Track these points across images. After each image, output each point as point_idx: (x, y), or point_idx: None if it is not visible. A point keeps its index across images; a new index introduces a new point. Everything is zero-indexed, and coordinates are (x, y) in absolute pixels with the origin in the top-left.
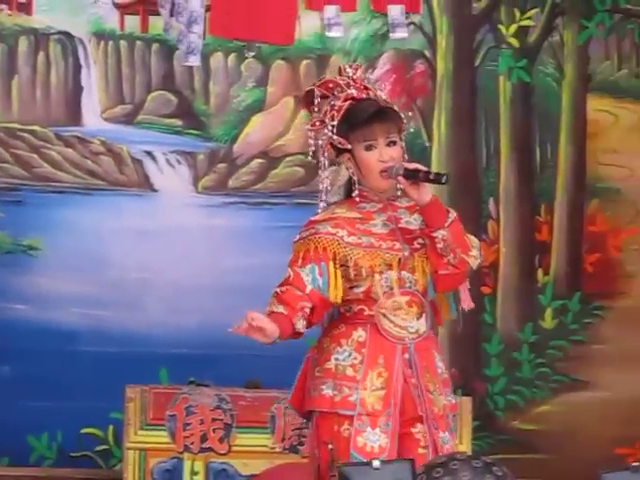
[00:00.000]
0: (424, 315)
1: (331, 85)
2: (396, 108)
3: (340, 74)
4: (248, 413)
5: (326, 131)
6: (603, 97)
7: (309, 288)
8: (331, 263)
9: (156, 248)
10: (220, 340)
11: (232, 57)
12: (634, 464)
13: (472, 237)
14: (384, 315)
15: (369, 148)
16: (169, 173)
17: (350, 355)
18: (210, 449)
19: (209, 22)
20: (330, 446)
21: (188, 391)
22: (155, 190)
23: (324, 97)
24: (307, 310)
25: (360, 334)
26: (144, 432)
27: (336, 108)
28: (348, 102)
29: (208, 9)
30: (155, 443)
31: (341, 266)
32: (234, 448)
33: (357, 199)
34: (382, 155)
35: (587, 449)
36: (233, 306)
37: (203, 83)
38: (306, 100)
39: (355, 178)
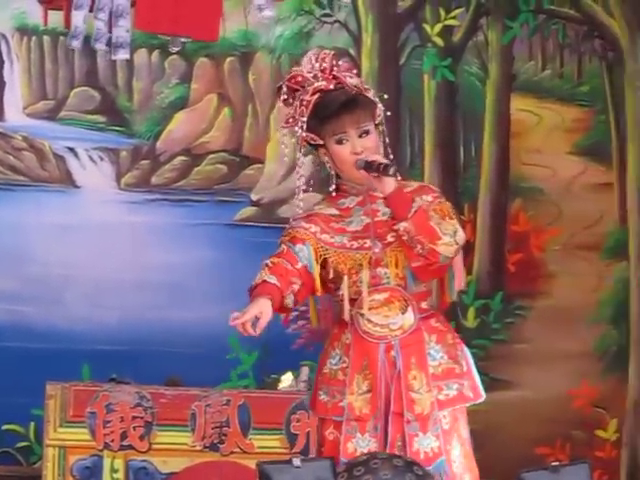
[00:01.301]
0: (410, 308)
1: (300, 79)
2: (370, 94)
3: (311, 65)
4: (168, 411)
5: (296, 128)
6: (527, 97)
7: (300, 264)
8: (312, 249)
9: (78, 244)
10: (141, 337)
11: (156, 54)
12: (553, 464)
13: (449, 222)
14: (362, 316)
15: (340, 142)
16: (91, 169)
17: (340, 359)
18: (130, 447)
19: (134, 16)
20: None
21: (109, 389)
22: (77, 186)
23: (296, 91)
24: (295, 287)
25: (347, 336)
26: (64, 429)
27: (304, 103)
28: (317, 95)
29: (133, 4)
30: (75, 440)
31: (321, 266)
32: (154, 446)
33: (333, 194)
34: (355, 147)
35: (508, 448)
36: (154, 303)
37: (126, 79)
38: (279, 97)
39: (333, 172)
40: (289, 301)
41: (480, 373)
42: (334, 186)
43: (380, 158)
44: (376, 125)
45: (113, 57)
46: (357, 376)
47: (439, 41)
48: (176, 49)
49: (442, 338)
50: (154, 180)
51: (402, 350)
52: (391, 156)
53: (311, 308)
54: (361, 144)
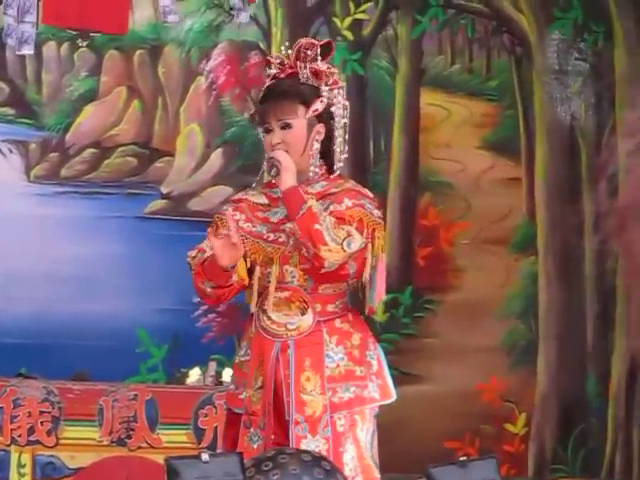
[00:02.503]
0: (309, 310)
1: (271, 61)
2: (320, 90)
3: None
4: (76, 406)
5: (246, 113)
6: (436, 91)
7: None
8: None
9: None
10: (50, 330)
11: (65, 46)
12: (461, 459)
13: (345, 228)
14: (264, 312)
15: (267, 131)
16: (0, 162)
17: (245, 351)
18: (37, 442)
19: (42, 11)
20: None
21: (16, 383)
22: None
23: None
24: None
25: (252, 330)
26: None
27: (262, 87)
28: (269, 81)
29: None
30: None
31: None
32: (62, 441)
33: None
34: (273, 139)
35: (417, 442)
36: (64, 296)
37: (35, 72)
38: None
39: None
40: (235, 279)
41: (390, 367)
42: (260, 175)
43: (278, 155)
44: (320, 121)
45: (18, 52)
46: (255, 371)
47: (349, 35)
48: (85, 43)
49: (345, 339)
50: (64, 173)
51: (297, 350)
52: (343, 156)
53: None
54: (280, 137)
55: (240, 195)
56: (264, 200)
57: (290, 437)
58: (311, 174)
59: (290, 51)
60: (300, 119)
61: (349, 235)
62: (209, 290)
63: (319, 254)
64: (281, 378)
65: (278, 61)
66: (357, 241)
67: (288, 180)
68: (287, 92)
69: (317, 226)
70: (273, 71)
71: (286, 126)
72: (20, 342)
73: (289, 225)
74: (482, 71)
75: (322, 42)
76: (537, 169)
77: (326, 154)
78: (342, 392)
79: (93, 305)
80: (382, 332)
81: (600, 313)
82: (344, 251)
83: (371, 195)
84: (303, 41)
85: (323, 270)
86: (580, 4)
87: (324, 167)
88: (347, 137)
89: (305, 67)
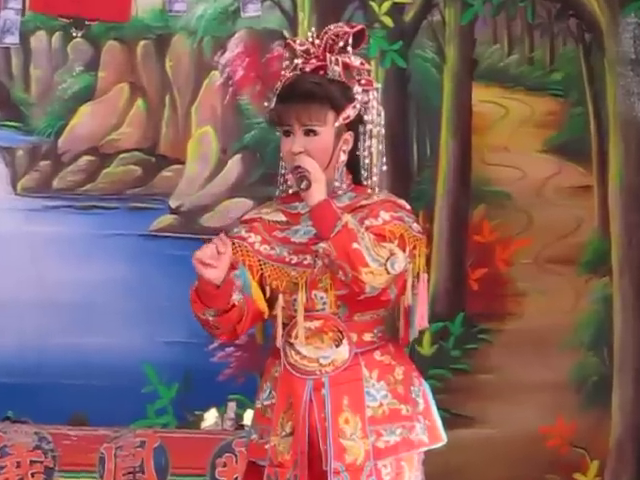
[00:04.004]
0: (345, 341)
1: (292, 47)
2: (350, 92)
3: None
4: (73, 454)
5: (265, 102)
6: (491, 86)
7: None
8: (247, 271)
9: None
10: (42, 367)
11: (57, 37)
12: None
13: (386, 246)
14: (291, 345)
15: (287, 134)
16: None
17: (270, 393)
18: None
19: None
20: None
21: (2, 428)
22: None
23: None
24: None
25: (277, 368)
26: None
27: (282, 78)
28: (293, 74)
29: None
30: None
31: (261, 284)
32: None
33: (282, 195)
34: (294, 145)
35: None
36: (57, 326)
37: (22, 67)
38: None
39: (285, 168)
40: (236, 298)
41: (438, 408)
42: (280, 188)
43: (306, 163)
44: (349, 128)
45: (0, 44)
46: (282, 415)
47: (388, 21)
48: (79, 33)
49: (387, 374)
50: (56, 184)
51: (333, 389)
52: (383, 167)
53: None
54: (302, 144)
55: (252, 214)
56: (281, 217)
57: None
58: (337, 184)
59: (316, 39)
60: (328, 127)
61: (392, 254)
62: (212, 319)
63: (359, 277)
64: (315, 422)
65: (303, 48)
66: (401, 261)
67: (318, 193)
68: (315, 94)
69: (355, 245)
70: (298, 61)
71: (311, 132)
72: (6, 381)
73: (323, 245)
74: (545, 62)
75: (355, 29)
76: (611, 175)
77: (351, 162)
78: (387, 435)
79: (91, 337)
80: (429, 367)
81: None
82: (388, 273)
83: (408, 206)
84: (332, 27)
85: (363, 296)
86: None
87: (349, 177)
88: (383, 148)
89: (337, 62)
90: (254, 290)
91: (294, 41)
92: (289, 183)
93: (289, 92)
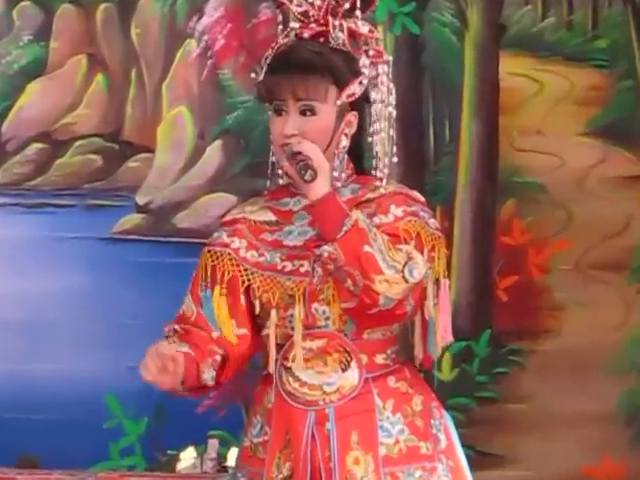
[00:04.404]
0: (353, 364)
1: (288, 9)
2: (355, 64)
3: None
4: None
5: (252, 74)
6: (521, 56)
7: (216, 333)
8: (217, 288)
9: None
10: None
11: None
12: None
13: (403, 249)
14: (288, 370)
15: (279, 112)
16: None
17: (262, 429)
18: None
19: None
20: None
21: None
22: None
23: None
24: (217, 358)
25: (270, 399)
26: None
27: (274, 45)
28: (288, 40)
29: None
30: None
31: (245, 294)
32: None
33: (272, 187)
34: (287, 126)
35: None
36: (2, 349)
37: None
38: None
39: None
40: (207, 376)
41: (462, 445)
42: (270, 180)
43: (308, 149)
44: (353, 108)
45: None
46: (278, 455)
47: None
48: None
49: (403, 404)
50: (0, 177)
51: (339, 422)
52: (394, 159)
53: None
54: (298, 125)
55: (235, 214)
56: (270, 216)
57: None
58: (335, 174)
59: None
60: (329, 105)
61: (410, 259)
62: (181, 389)
63: (372, 287)
64: (318, 463)
65: (300, 10)
66: (421, 267)
67: (321, 185)
68: (315, 64)
69: (367, 248)
70: (295, 25)
71: (308, 111)
72: None
73: (328, 248)
74: (586, 27)
75: None
76: None
77: (353, 148)
78: (404, 478)
79: (43, 362)
80: (449, 396)
81: None
82: (405, 281)
83: (422, 199)
84: None
85: (375, 309)
86: None
87: (350, 165)
88: (394, 132)
89: (341, 27)
90: (219, 311)
91: (290, 1)
92: (281, 173)
93: (283, 61)
